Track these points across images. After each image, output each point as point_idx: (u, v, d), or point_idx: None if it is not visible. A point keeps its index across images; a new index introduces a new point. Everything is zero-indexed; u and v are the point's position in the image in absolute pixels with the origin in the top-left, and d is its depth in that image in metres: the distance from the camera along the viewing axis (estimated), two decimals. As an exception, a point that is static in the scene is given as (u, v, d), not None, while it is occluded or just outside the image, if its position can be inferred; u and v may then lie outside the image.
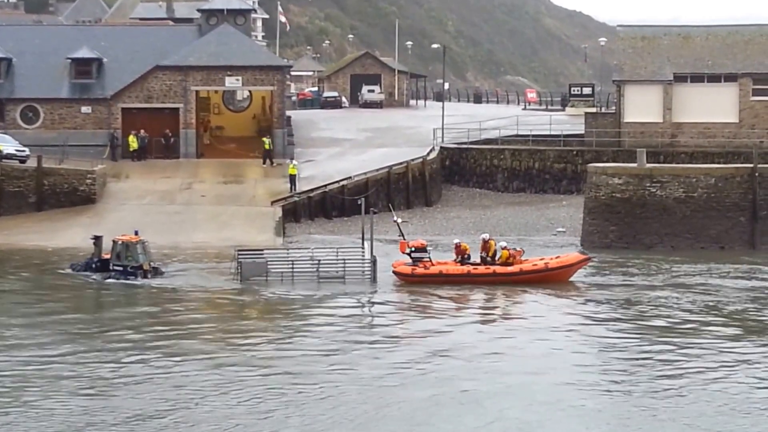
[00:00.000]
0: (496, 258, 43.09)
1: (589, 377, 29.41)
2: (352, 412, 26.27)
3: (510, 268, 42.69)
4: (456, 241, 44.93)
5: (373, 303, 40.30)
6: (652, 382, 28.82)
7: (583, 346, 33.21)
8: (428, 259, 43.07)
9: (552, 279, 42.57)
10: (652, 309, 38.12)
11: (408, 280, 42.79)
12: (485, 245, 43.49)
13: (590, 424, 25.62)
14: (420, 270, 42.72)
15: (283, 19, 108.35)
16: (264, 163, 63.31)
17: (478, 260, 43.32)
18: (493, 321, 37.81)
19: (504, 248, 43.28)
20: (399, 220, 45.13)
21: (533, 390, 28.10)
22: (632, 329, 35.20)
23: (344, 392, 27.81)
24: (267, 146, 63.59)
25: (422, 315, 38.33)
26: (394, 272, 43.15)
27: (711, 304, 39.02)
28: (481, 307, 39.85)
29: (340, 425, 25.42)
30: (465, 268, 42.87)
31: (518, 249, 44.03)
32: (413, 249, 43.18)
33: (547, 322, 36.48)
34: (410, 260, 43.12)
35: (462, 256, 43.38)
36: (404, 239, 43.85)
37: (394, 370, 29.92)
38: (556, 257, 44.08)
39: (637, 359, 31.24)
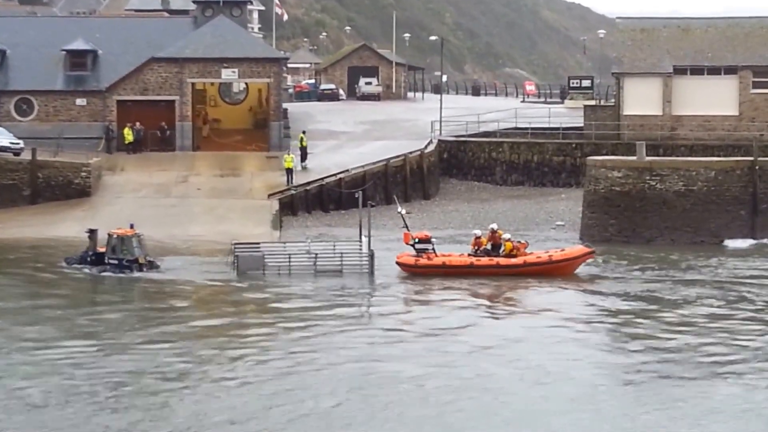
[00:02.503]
0: (500, 250, 42.86)
1: (591, 369, 29.14)
2: (350, 406, 26.02)
3: (513, 261, 42.60)
4: (476, 232, 44.53)
5: (370, 295, 40.06)
6: (656, 374, 28.70)
7: (583, 340, 32.91)
8: (432, 251, 42.90)
9: (556, 272, 42.39)
10: (654, 302, 37.91)
11: (411, 271, 42.78)
12: (493, 236, 43.27)
13: (594, 418, 25.34)
14: (423, 261, 42.63)
15: (279, 10, 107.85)
16: (303, 161, 60.69)
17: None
18: (493, 313, 37.53)
19: (508, 240, 43.08)
20: (403, 211, 45.02)
21: (532, 384, 27.88)
22: (638, 323, 34.96)
23: (341, 387, 27.51)
24: (304, 143, 61.42)
25: (420, 308, 38.09)
26: (397, 263, 43.09)
27: (713, 296, 38.84)
28: (481, 300, 39.55)
29: (338, 420, 25.08)
30: (468, 260, 42.76)
31: (522, 241, 43.88)
32: (417, 240, 43.08)
33: (548, 315, 36.30)
34: (414, 251, 43.03)
35: (478, 248, 43.19)
36: (408, 230, 43.69)
37: (390, 366, 29.61)
38: (561, 250, 43.98)
39: (643, 353, 31.06)
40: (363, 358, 30.51)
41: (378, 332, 33.92)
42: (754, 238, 50.21)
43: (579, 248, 44.51)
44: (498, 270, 42.26)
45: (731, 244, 49.34)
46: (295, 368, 29.29)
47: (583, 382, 28.27)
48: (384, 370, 29.14)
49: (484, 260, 42.66)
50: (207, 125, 69.91)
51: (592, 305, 38.05)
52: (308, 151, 62.35)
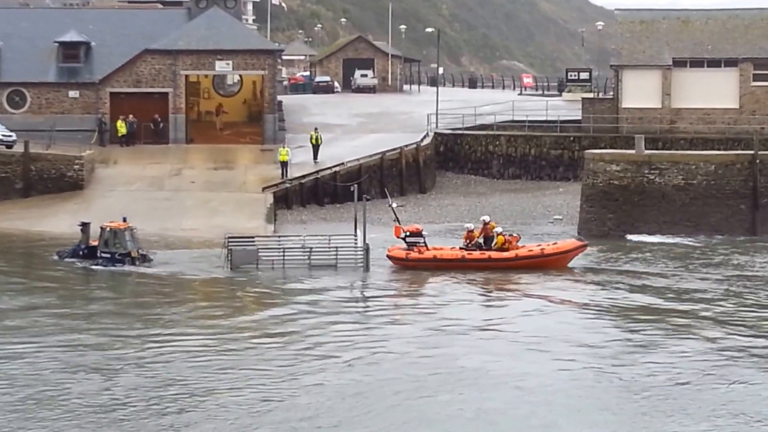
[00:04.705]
0: (492, 243, 42.50)
1: (584, 363, 28.69)
2: (346, 402, 25.57)
3: (505, 254, 42.34)
4: (468, 225, 44.31)
5: (366, 290, 39.68)
6: (646, 370, 28.25)
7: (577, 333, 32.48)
8: (423, 244, 42.60)
9: (548, 265, 42.07)
10: (647, 297, 37.55)
11: (402, 265, 42.49)
12: (485, 228, 42.98)
13: (588, 413, 24.89)
14: (414, 255, 42.36)
15: (276, 0, 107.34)
16: (315, 158, 59.57)
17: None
18: (490, 307, 37.19)
19: (500, 234, 42.75)
20: (394, 205, 44.82)
21: (528, 378, 27.47)
22: (627, 316, 34.52)
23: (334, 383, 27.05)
24: (313, 140, 59.81)
25: (416, 302, 37.64)
26: (388, 256, 42.78)
27: (708, 290, 38.49)
28: (476, 294, 39.15)
29: (335, 416, 24.65)
30: (460, 254, 42.48)
31: (514, 235, 43.60)
32: (408, 234, 42.79)
33: (543, 308, 36.02)
34: (405, 245, 42.77)
35: (470, 241, 42.92)
36: (399, 224, 43.41)
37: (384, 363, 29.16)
38: (553, 243, 43.73)
39: (633, 347, 30.66)
40: (358, 355, 30.04)
41: (373, 328, 33.47)
42: (754, 234, 49.79)
43: (571, 241, 44.18)
44: (490, 263, 41.97)
45: (634, 238, 49.02)
46: (292, 366, 28.83)
47: (574, 381, 27.82)
48: (380, 365, 28.70)
49: (476, 254, 42.38)
50: (219, 117, 69.47)
51: (584, 299, 37.63)
52: (301, 144, 61.77)
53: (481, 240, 42.88)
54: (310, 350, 30.34)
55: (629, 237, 49.27)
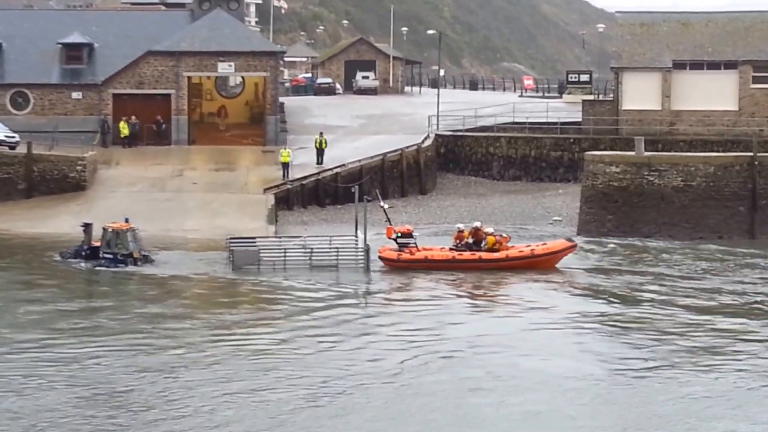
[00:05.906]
0: (482, 244, 42.80)
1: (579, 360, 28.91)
2: (344, 403, 25.74)
3: (496, 255, 42.60)
4: (459, 226, 44.58)
5: (367, 291, 39.87)
6: (635, 370, 28.51)
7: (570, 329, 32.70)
8: (414, 245, 42.89)
9: (538, 265, 42.36)
10: (640, 296, 37.84)
11: (393, 265, 42.72)
12: (476, 232, 43.28)
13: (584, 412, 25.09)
14: (405, 255, 42.62)
15: (276, 2, 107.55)
16: (318, 162, 59.45)
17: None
18: (484, 306, 37.40)
19: (490, 234, 43.01)
20: (386, 206, 45.06)
21: (527, 377, 27.71)
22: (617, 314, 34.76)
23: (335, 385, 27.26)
24: (317, 145, 59.66)
25: (416, 302, 37.86)
26: (379, 257, 43.04)
27: (700, 291, 38.69)
28: (476, 294, 39.37)
29: (333, 416, 24.87)
30: (450, 254, 42.73)
31: (504, 235, 43.88)
32: (399, 234, 43.10)
33: (537, 306, 36.32)
34: (396, 246, 43.01)
35: (460, 242, 43.14)
36: (390, 225, 43.75)
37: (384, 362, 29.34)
38: (543, 244, 44.02)
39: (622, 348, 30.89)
40: (359, 354, 30.24)
41: (373, 328, 33.67)
42: (752, 236, 49.96)
43: (560, 242, 44.42)
44: (480, 264, 42.18)
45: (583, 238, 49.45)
46: (294, 367, 29.01)
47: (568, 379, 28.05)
48: (382, 365, 28.89)
49: (467, 254, 42.62)
50: (222, 119, 69.65)
51: (576, 295, 37.89)
52: (303, 145, 61.95)
53: (470, 240, 43.15)
54: (325, 351, 30.46)
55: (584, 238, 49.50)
